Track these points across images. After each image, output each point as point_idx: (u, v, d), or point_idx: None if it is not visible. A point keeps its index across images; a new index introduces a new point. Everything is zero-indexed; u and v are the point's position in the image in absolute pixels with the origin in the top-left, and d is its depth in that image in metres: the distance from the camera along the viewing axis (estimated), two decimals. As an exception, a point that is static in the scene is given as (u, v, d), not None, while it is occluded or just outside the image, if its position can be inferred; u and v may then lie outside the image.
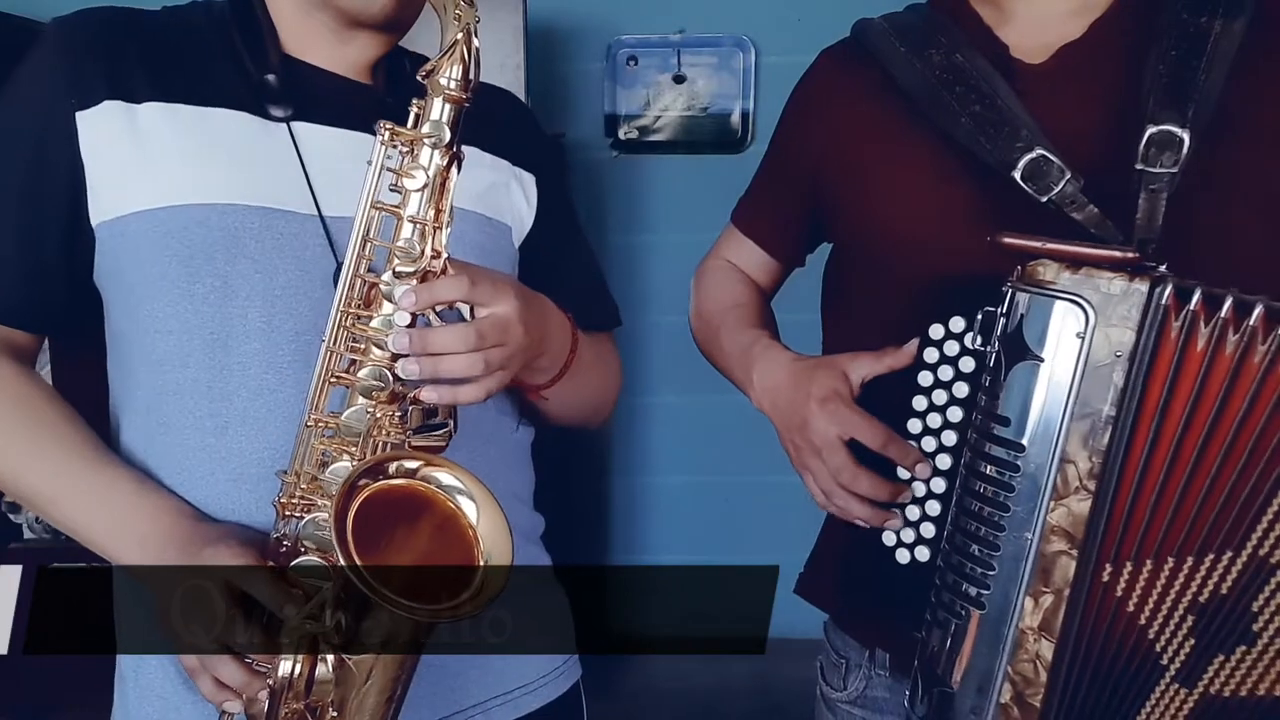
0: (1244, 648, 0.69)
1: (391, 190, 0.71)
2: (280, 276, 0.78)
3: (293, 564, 0.71)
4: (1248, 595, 0.68)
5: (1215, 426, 0.66)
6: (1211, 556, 0.68)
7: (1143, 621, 0.70)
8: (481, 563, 0.68)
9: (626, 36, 2.66)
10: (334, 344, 0.72)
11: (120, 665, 0.84)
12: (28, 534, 2.22)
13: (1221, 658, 0.69)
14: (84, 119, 0.76)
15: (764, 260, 1.08)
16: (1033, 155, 0.76)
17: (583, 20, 2.64)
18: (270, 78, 0.80)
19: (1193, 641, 0.70)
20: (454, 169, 0.71)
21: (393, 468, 0.69)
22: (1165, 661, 0.71)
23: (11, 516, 2.21)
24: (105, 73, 0.77)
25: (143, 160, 0.77)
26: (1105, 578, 0.70)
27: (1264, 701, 0.70)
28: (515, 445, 0.94)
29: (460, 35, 0.69)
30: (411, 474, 0.70)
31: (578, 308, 0.91)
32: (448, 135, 0.70)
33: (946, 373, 0.77)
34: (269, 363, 0.77)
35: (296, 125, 0.81)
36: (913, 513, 0.80)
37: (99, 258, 0.79)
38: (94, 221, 0.78)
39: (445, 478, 0.70)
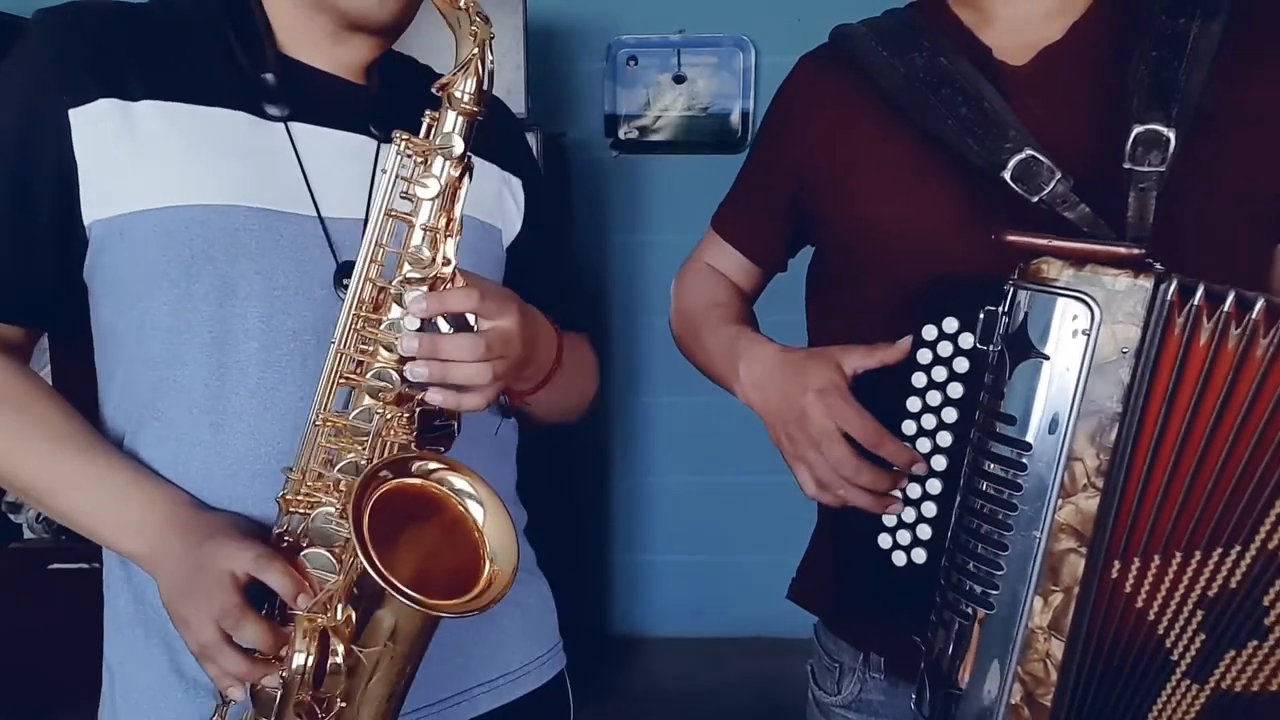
0: (1256, 642, 0.69)
1: (403, 198, 0.72)
2: (279, 277, 0.78)
3: (303, 553, 0.71)
4: (1258, 589, 0.68)
5: (1219, 421, 0.67)
6: (1220, 551, 0.68)
7: (1152, 617, 0.70)
8: (487, 564, 0.70)
9: (626, 36, 2.66)
10: (344, 346, 0.72)
11: (106, 658, 0.84)
12: (28, 534, 2.22)
13: (1233, 653, 0.69)
14: (77, 116, 0.75)
15: (744, 265, 1.07)
16: (1022, 156, 0.76)
17: (583, 20, 2.64)
18: (268, 76, 0.80)
19: (1203, 637, 0.69)
20: (465, 179, 0.73)
21: (415, 466, 0.71)
22: (1175, 657, 0.70)
23: (11, 517, 2.20)
24: (98, 69, 0.76)
25: (141, 159, 0.76)
26: (1114, 575, 0.70)
27: (1278, 696, 0.70)
28: (498, 444, 0.95)
29: (475, 50, 0.70)
30: (428, 474, 0.72)
31: (556, 309, 0.92)
32: (460, 147, 0.71)
33: (940, 373, 0.77)
34: (267, 362, 0.78)
35: (293, 125, 0.81)
36: (909, 514, 0.80)
37: (91, 254, 0.78)
38: (88, 220, 0.76)
39: (458, 481, 0.72)
